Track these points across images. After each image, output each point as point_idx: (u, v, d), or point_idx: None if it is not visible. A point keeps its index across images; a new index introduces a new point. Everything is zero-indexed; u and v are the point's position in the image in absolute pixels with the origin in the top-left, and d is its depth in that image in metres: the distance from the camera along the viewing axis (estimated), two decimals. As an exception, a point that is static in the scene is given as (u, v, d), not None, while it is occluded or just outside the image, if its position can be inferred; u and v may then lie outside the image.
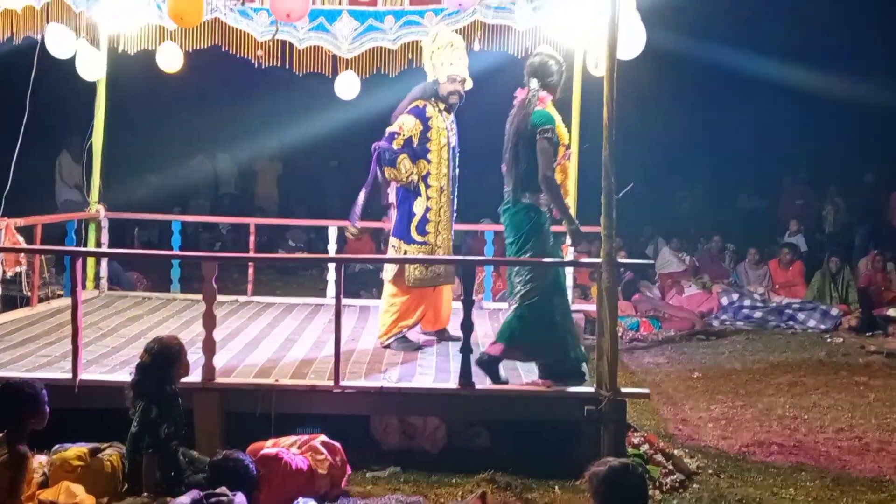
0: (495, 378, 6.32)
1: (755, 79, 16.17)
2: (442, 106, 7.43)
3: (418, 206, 7.33)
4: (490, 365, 6.31)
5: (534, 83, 6.43)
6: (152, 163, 17.28)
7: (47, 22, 8.15)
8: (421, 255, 7.34)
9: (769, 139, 18.06)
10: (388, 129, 7.35)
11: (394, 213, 7.47)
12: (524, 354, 6.45)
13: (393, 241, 7.48)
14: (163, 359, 5.26)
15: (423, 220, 7.35)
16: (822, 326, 11.68)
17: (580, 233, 6.49)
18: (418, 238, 7.35)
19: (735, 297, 12.28)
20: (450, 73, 7.36)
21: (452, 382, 6.29)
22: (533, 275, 6.28)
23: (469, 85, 7.54)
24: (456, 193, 7.58)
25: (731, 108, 17.87)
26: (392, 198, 7.46)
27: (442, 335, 7.71)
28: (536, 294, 6.26)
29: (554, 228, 6.66)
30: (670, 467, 6.10)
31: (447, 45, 7.44)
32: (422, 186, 7.33)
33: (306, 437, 5.73)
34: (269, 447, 5.55)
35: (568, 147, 6.53)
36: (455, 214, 7.64)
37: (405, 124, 7.28)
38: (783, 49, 16.28)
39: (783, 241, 14.55)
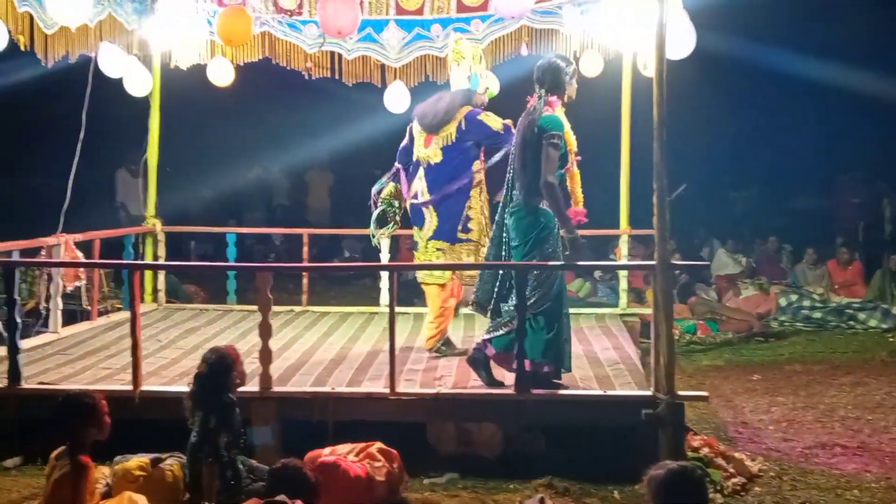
0: (491, 379, 6.39)
1: (809, 77, 15.91)
2: None
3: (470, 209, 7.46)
4: (487, 364, 6.38)
5: (540, 89, 6.40)
6: (206, 176, 17.48)
7: (100, 40, 8.29)
8: (468, 258, 7.41)
9: (824, 138, 17.78)
10: (501, 126, 7.34)
11: (433, 215, 7.46)
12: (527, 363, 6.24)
13: (438, 244, 7.46)
14: (220, 368, 5.30)
15: (469, 218, 7.43)
16: (884, 326, 11.48)
17: (579, 241, 6.29)
18: (463, 236, 7.42)
19: (794, 297, 12.11)
20: (485, 82, 7.66)
21: (508, 388, 6.27)
22: (540, 282, 6.24)
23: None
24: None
25: (784, 107, 17.65)
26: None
27: None
28: (548, 301, 6.24)
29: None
30: (731, 470, 6.01)
31: (480, 57, 7.80)
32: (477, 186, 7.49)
33: (363, 444, 5.74)
34: (326, 455, 5.57)
35: (577, 154, 6.47)
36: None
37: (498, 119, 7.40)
38: (836, 47, 16.03)
39: (840, 241, 14.29)
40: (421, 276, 7.73)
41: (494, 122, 7.38)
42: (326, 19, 7.56)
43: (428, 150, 7.48)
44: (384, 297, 9.58)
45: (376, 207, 7.78)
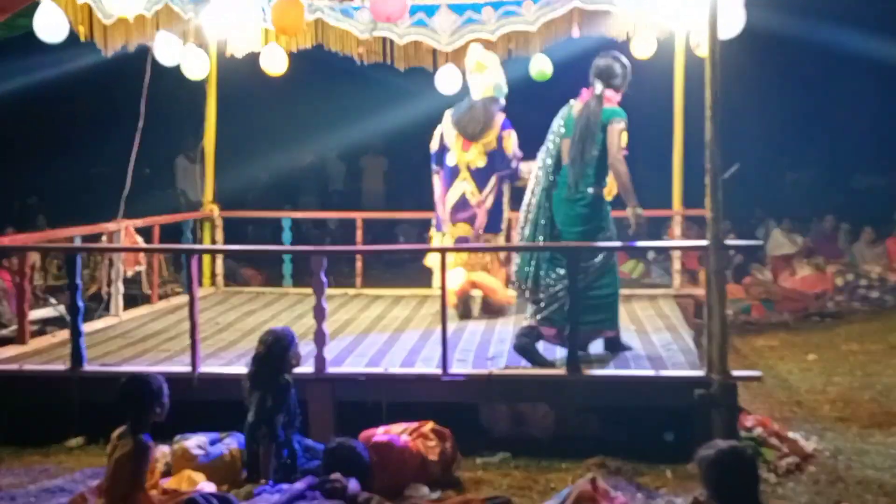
0: (544, 360, 6.56)
1: (866, 53, 15.62)
2: None
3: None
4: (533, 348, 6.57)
5: (598, 85, 6.62)
6: (262, 162, 17.68)
7: (157, 29, 8.43)
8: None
9: (883, 115, 17.44)
10: (512, 152, 8.17)
11: (483, 212, 8.12)
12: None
13: (487, 236, 8.17)
14: (277, 349, 5.41)
15: (502, 212, 8.28)
16: (943, 305, 11.30)
17: (643, 216, 6.61)
18: (502, 226, 8.31)
19: (850, 277, 11.96)
20: (505, 92, 8.28)
21: (560, 369, 6.30)
22: (606, 260, 6.59)
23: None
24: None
25: (841, 84, 17.36)
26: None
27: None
28: (610, 277, 6.64)
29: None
30: (785, 450, 5.98)
31: (499, 65, 8.36)
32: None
33: (416, 424, 5.81)
34: (380, 434, 5.65)
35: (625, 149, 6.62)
36: None
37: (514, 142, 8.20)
38: (892, 22, 15.71)
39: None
40: (482, 261, 8.27)
41: (510, 145, 8.16)
42: (376, 5, 7.62)
43: (469, 155, 8.16)
44: (437, 279, 9.62)
45: None
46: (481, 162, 8.12)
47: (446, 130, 8.29)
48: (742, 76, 8.36)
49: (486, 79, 8.22)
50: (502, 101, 8.30)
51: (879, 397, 7.53)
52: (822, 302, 11.59)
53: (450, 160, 8.23)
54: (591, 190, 6.57)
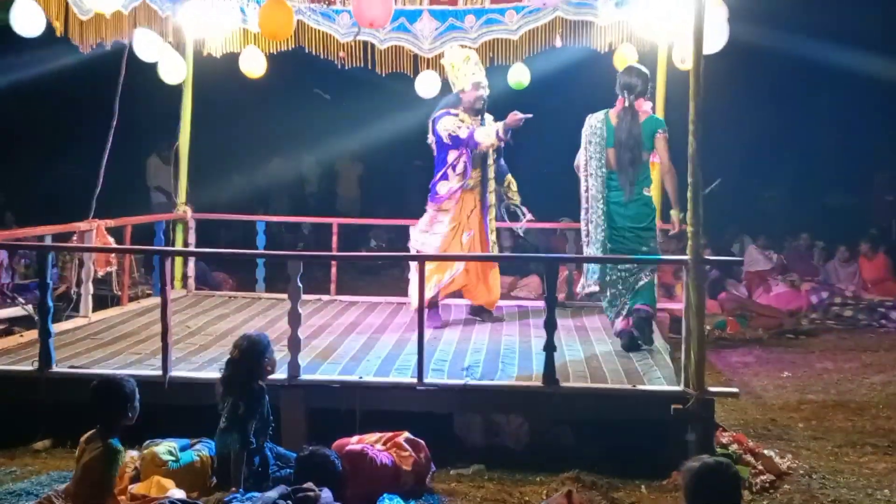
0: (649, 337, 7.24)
1: (842, 72, 15.71)
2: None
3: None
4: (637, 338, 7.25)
5: (627, 97, 7.30)
6: (237, 164, 17.55)
7: (135, 27, 8.33)
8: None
9: (858, 134, 17.57)
10: (446, 135, 8.23)
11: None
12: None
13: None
14: (252, 354, 5.32)
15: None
16: (916, 324, 11.36)
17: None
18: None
19: (825, 294, 12.01)
20: (473, 80, 8.18)
21: (536, 380, 6.25)
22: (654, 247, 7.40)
23: (487, 91, 8.33)
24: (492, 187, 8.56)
25: (817, 102, 17.45)
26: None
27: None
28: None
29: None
30: (760, 467, 5.97)
31: (464, 60, 8.30)
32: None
33: (390, 434, 5.74)
34: (354, 443, 5.58)
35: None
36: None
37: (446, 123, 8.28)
38: (870, 42, 15.84)
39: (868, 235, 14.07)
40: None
41: (441, 129, 8.22)
42: (359, 9, 7.55)
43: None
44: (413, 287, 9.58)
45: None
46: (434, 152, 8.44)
47: None
48: (720, 91, 8.35)
49: (452, 77, 8.38)
50: (471, 93, 8.19)
51: (853, 416, 7.54)
52: (796, 319, 11.62)
53: None
54: (646, 192, 7.34)
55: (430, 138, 8.38)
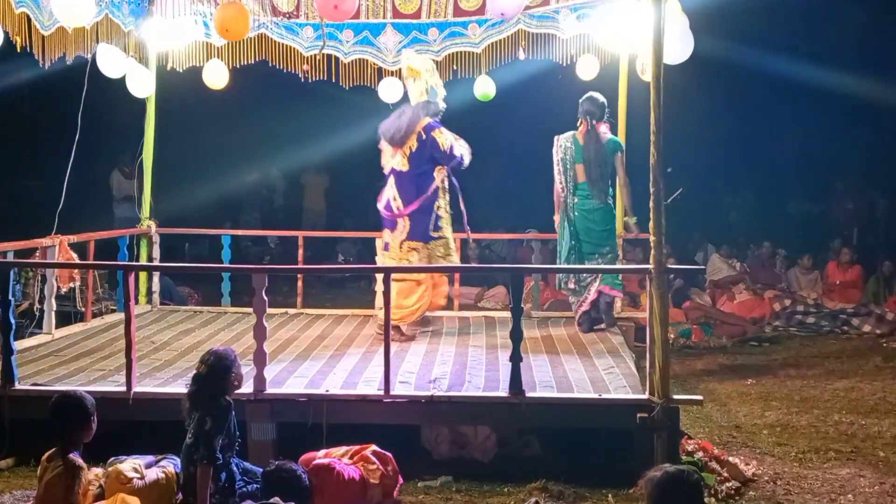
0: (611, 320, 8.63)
1: (803, 83, 15.93)
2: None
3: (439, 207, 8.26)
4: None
5: (590, 120, 8.45)
6: (201, 178, 17.46)
7: (97, 42, 8.29)
8: (442, 253, 8.23)
9: (818, 143, 17.79)
10: (448, 147, 8.10)
11: (405, 219, 8.14)
12: None
13: (412, 244, 8.15)
14: (218, 369, 5.29)
15: (438, 216, 8.23)
16: (878, 331, 11.50)
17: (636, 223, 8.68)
18: (436, 234, 8.21)
19: (787, 302, 12.13)
20: (441, 92, 8.32)
21: (502, 391, 6.27)
22: (614, 250, 8.73)
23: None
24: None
25: (778, 112, 17.67)
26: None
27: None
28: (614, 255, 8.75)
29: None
30: (725, 474, 6.01)
31: (433, 69, 8.43)
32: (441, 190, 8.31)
33: (357, 447, 5.74)
34: (321, 457, 5.56)
35: None
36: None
37: (448, 136, 8.15)
38: (830, 53, 16.06)
39: (839, 242, 14.19)
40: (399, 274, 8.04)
41: (444, 141, 8.09)
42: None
43: (395, 160, 8.17)
44: (379, 299, 9.57)
45: None
46: (404, 166, 8.11)
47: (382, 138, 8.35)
48: (682, 101, 8.49)
49: (419, 84, 8.23)
50: (440, 105, 8.28)
51: (816, 422, 7.62)
52: (759, 327, 11.73)
53: (387, 166, 8.27)
54: (609, 200, 8.56)
55: (411, 146, 8.07)
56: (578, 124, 8.57)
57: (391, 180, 8.19)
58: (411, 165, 8.08)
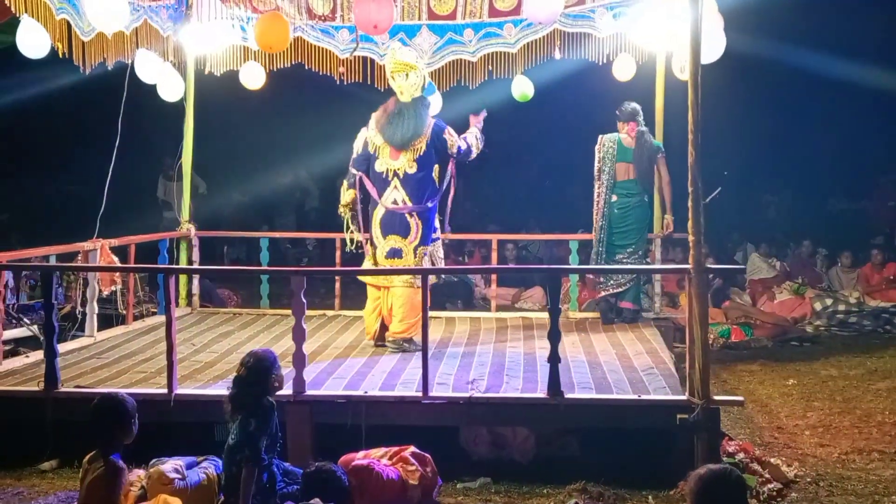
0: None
1: (841, 78, 15.76)
2: None
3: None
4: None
5: (633, 124, 9.03)
6: (239, 181, 17.60)
7: (136, 47, 8.37)
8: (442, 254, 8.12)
9: (857, 139, 17.61)
10: (456, 148, 7.88)
11: (418, 223, 7.81)
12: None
13: (426, 248, 7.86)
14: (258, 371, 5.32)
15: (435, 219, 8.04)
16: (921, 330, 11.34)
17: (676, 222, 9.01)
18: (434, 236, 8.00)
19: (829, 301, 11.99)
20: (434, 88, 8.40)
21: (541, 392, 6.26)
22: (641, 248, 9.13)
23: None
24: None
25: (816, 108, 17.48)
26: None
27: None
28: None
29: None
30: (767, 476, 5.96)
31: (398, 71, 7.93)
32: None
33: (396, 448, 5.75)
34: (360, 458, 5.59)
35: None
36: None
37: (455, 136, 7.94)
38: (869, 49, 15.89)
39: (875, 243, 14.06)
40: (400, 280, 7.86)
41: (453, 142, 7.87)
42: (362, 13, 7.51)
43: (398, 162, 7.79)
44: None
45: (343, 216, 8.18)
46: (411, 169, 7.76)
47: (371, 136, 7.92)
48: (720, 99, 8.45)
49: (415, 78, 7.88)
50: (430, 100, 8.13)
51: (859, 423, 7.53)
52: (800, 326, 11.62)
53: (379, 167, 7.85)
54: (646, 198, 9.10)
55: (420, 149, 7.77)
56: (622, 126, 9.07)
57: (396, 182, 7.77)
58: (419, 167, 7.75)
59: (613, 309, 9.18)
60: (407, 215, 7.78)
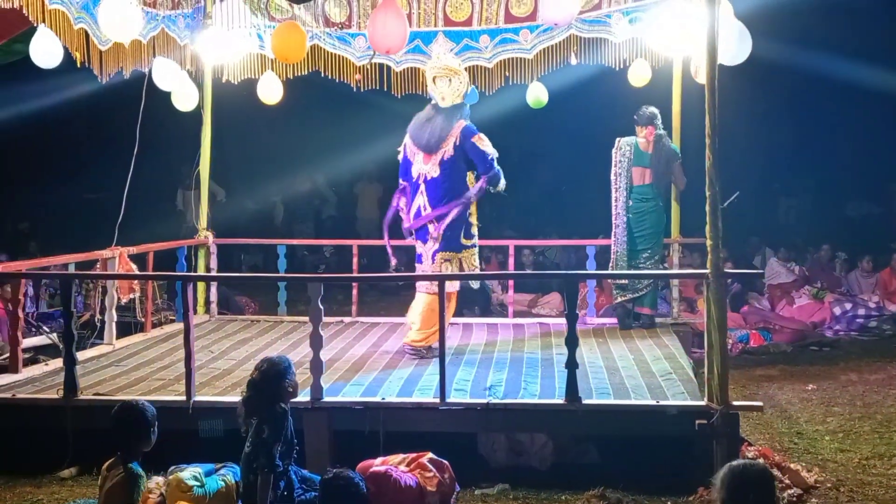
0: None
1: (859, 83, 15.68)
2: None
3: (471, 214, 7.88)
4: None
5: (651, 128, 8.97)
6: (257, 188, 17.65)
7: (154, 55, 8.42)
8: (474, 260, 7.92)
9: (876, 143, 17.49)
10: (491, 154, 7.69)
11: (438, 229, 7.70)
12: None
13: (446, 255, 7.77)
14: (271, 376, 5.33)
15: (470, 224, 7.85)
16: (942, 333, 11.26)
17: None
18: (468, 242, 7.84)
19: (848, 306, 11.91)
20: (475, 95, 8.34)
21: (558, 398, 6.24)
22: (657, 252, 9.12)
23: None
24: None
25: (834, 112, 17.40)
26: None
27: None
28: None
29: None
30: (787, 481, 5.92)
31: (443, 76, 7.90)
32: None
33: (414, 454, 5.74)
34: (378, 465, 5.58)
35: None
36: None
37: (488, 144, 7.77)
38: (885, 52, 15.79)
39: (893, 247, 13.94)
40: (420, 286, 7.88)
41: (485, 147, 7.70)
42: (375, 38, 7.56)
43: (427, 167, 7.77)
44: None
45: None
46: (434, 172, 7.71)
47: (407, 142, 7.94)
48: (738, 103, 8.45)
49: (457, 84, 7.87)
50: (468, 108, 7.97)
51: (880, 428, 7.47)
52: (819, 331, 11.55)
53: (413, 172, 7.86)
54: (661, 203, 9.09)
55: (446, 153, 7.69)
56: (640, 130, 9.01)
57: (422, 188, 7.75)
58: (443, 171, 7.68)
59: (631, 314, 9.13)
60: (427, 221, 7.75)
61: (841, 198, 18.02)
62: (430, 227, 7.75)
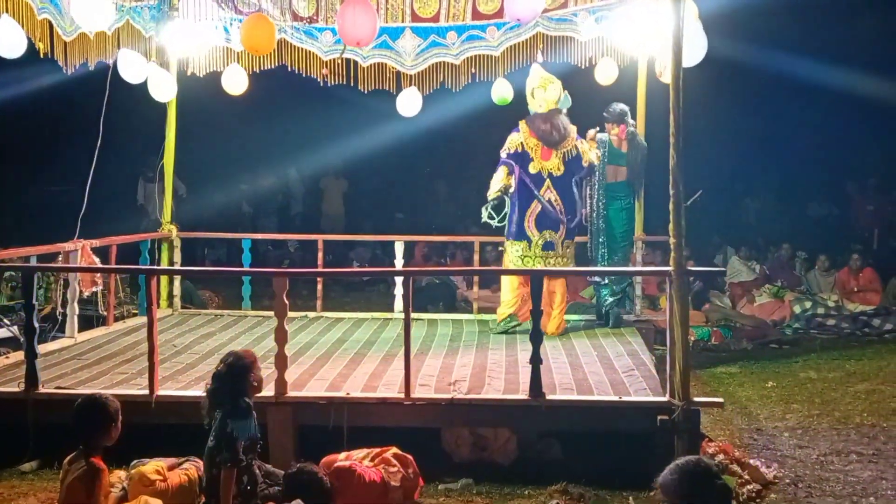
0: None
1: (822, 84, 15.85)
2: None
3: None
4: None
5: (620, 123, 8.99)
6: (221, 182, 17.56)
7: (118, 47, 8.35)
8: None
9: (837, 145, 17.70)
10: (590, 159, 8.92)
11: (565, 220, 8.68)
12: None
13: (570, 243, 8.83)
14: (238, 369, 5.31)
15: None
16: (899, 331, 11.42)
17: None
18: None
19: (808, 304, 12.08)
20: (569, 102, 8.77)
21: (522, 393, 6.28)
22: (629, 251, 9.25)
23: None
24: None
25: (797, 114, 17.56)
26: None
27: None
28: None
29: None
30: (746, 477, 6.00)
31: (539, 86, 8.69)
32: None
33: (378, 449, 5.76)
34: (342, 460, 5.59)
35: None
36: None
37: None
38: (851, 53, 15.99)
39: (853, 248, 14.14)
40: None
41: (587, 153, 8.77)
42: (345, 30, 7.55)
43: (549, 163, 8.60)
44: (398, 303, 9.64)
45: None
46: (560, 170, 8.57)
47: (526, 140, 8.58)
48: (700, 103, 8.53)
49: (551, 93, 8.58)
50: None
51: (838, 424, 7.58)
52: (779, 329, 11.69)
53: (532, 168, 8.57)
54: (633, 200, 9.13)
55: (569, 151, 8.64)
56: (611, 127, 9.05)
57: (549, 182, 8.55)
58: (567, 169, 8.61)
59: (620, 316, 9.19)
60: (559, 214, 8.58)
61: (803, 198, 18.22)
62: (561, 219, 8.71)
